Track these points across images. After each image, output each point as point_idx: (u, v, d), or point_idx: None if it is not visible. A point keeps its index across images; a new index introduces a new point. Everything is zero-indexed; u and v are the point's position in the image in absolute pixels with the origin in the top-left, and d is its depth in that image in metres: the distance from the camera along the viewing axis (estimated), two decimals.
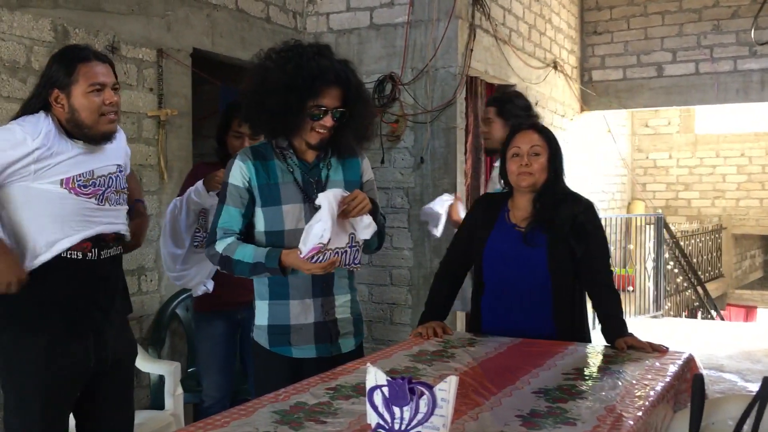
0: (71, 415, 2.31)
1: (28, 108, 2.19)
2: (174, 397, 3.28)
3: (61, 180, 2.13)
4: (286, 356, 2.27)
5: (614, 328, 2.41)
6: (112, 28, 3.69)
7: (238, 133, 3.13)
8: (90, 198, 2.19)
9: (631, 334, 2.38)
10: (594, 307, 2.52)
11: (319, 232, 2.05)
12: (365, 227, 2.17)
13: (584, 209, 2.50)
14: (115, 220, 2.28)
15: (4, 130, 2.16)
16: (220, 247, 2.21)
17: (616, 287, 2.56)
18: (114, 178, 2.27)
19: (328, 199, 2.08)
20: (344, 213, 2.12)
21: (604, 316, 2.46)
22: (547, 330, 2.46)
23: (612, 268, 2.61)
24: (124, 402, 2.37)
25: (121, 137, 2.38)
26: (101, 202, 2.22)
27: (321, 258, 2.08)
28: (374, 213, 2.24)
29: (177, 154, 4.08)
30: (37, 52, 3.33)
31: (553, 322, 2.46)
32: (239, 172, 2.23)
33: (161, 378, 3.35)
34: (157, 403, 3.35)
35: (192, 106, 4.23)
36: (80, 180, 2.17)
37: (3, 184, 2.12)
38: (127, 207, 2.37)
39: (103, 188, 2.23)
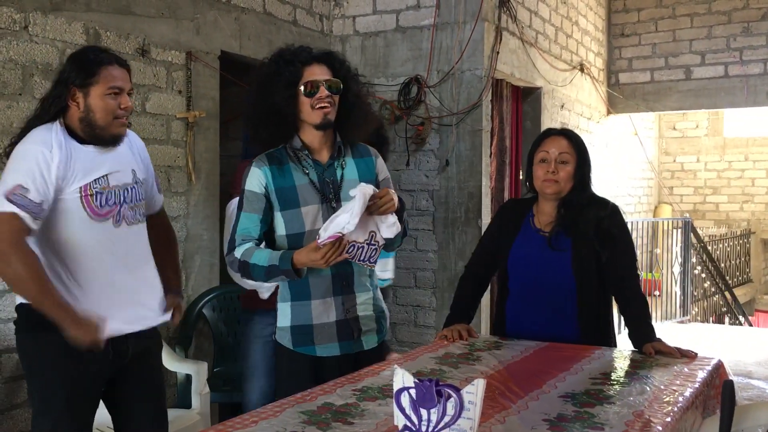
0: (108, 413, 2.36)
1: (47, 108, 2.20)
2: (201, 396, 3.31)
3: (80, 188, 2.14)
4: (310, 355, 2.28)
5: (642, 333, 2.39)
6: (143, 31, 3.74)
7: None
8: (107, 219, 2.20)
9: (659, 339, 2.36)
10: (621, 311, 2.51)
11: (342, 222, 2.04)
12: (389, 226, 2.17)
13: (610, 213, 2.49)
14: (132, 239, 2.28)
15: (27, 153, 2.12)
16: (238, 252, 2.22)
17: (643, 292, 2.54)
18: (130, 190, 2.27)
19: (363, 193, 2.07)
20: (368, 209, 2.12)
21: (632, 320, 2.44)
22: (572, 334, 2.45)
23: (638, 272, 2.59)
24: (153, 393, 2.38)
25: (135, 143, 2.38)
26: (118, 222, 2.22)
27: (336, 247, 2.07)
28: (400, 212, 2.25)
29: (204, 155, 4.12)
30: (69, 55, 3.38)
31: (578, 325, 2.45)
32: (256, 179, 2.25)
33: (188, 377, 3.38)
34: (184, 403, 3.38)
35: (219, 107, 4.27)
36: (96, 187, 2.17)
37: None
38: (144, 223, 2.36)
39: (119, 205, 2.22)
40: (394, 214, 2.18)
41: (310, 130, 2.27)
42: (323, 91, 2.22)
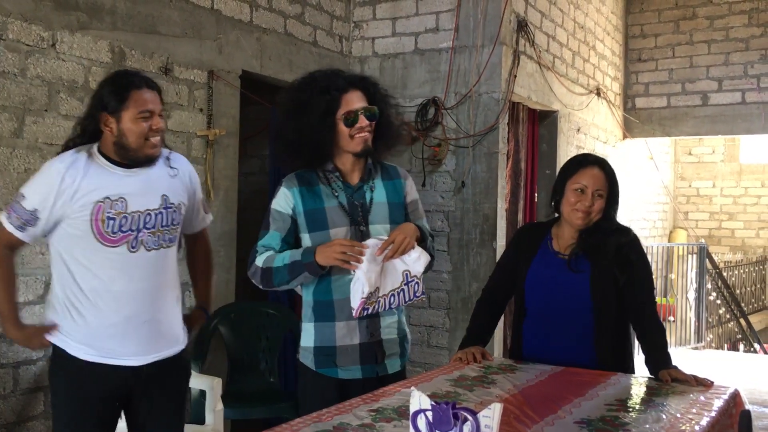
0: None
1: (84, 128, 2.26)
2: (215, 412, 3.33)
3: (92, 211, 2.14)
4: (333, 377, 2.29)
5: (658, 360, 2.39)
6: (167, 50, 3.81)
7: None
8: (120, 245, 2.17)
9: (675, 367, 2.36)
10: (638, 338, 2.50)
11: (359, 288, 2.17)
12: (416, 260, 2.25)
13: (630, 240, 2.50)
14: (152, 265, 2.24)
15: (42, 170, 2.23)
16: (259, 261, 2.23)
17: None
18: (154, 216, 2.23)
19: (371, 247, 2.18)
20: (387, 257, 2.19)
21: (648, 347, 2.44)
22: (588, 357, 2.45)
23: (656, 300, 2.59)
24: (169, 416, 2.39)
25: (182, 167, 2.38)
26: (134, 247, 2.19)
27: (373, 307, 2.21)
28: (422, 240, 2.28)
29: (224, 173, 4.17)
30: (94, 73, 3.45)
31: (594, 349, 2.45)
32: (284, 199, 2.27)
33: (202, 393, 3.40)
34: (198, 418, 3.40)
35: (239, 126, 4.32)
36: (110, 212, 2.15)
37: (56, 227, 2.19)
38: (173, 247, 2.31)
39: (136, 231, 2.19)
40: (416, 247, 2.22)
41: (346, 156, 2.29)
42: (363, 121, 2.23)
